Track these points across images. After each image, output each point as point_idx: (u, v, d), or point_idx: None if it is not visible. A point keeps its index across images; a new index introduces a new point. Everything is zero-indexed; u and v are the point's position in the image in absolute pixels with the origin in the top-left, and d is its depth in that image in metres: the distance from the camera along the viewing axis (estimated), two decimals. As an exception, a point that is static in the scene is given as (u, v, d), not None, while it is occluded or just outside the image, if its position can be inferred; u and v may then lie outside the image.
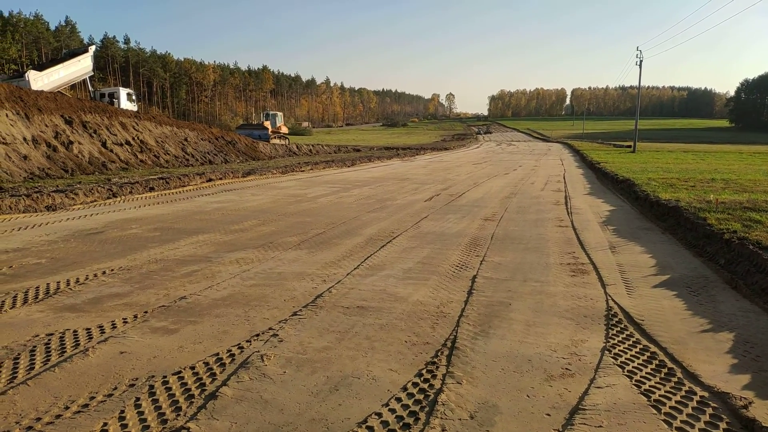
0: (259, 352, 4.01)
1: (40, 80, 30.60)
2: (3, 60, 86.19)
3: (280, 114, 57.24)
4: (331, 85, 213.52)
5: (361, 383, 3.52)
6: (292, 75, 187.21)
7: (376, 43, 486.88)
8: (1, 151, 19.83)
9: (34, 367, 3.70)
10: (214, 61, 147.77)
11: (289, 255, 7.45)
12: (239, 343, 4.18)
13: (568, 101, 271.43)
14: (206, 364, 3.78)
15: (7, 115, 21.68)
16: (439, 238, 8.78)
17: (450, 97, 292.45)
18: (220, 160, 30.75)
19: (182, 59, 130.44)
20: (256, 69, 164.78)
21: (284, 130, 54.35)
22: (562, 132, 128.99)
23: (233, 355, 3.95)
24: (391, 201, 13.68)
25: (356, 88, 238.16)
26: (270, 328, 4.54)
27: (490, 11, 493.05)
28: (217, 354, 3.96)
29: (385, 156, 40.44)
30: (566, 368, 3.80)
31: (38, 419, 3.00)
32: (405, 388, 3.45)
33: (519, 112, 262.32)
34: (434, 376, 3.63)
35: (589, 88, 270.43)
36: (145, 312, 4.92)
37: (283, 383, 3.50)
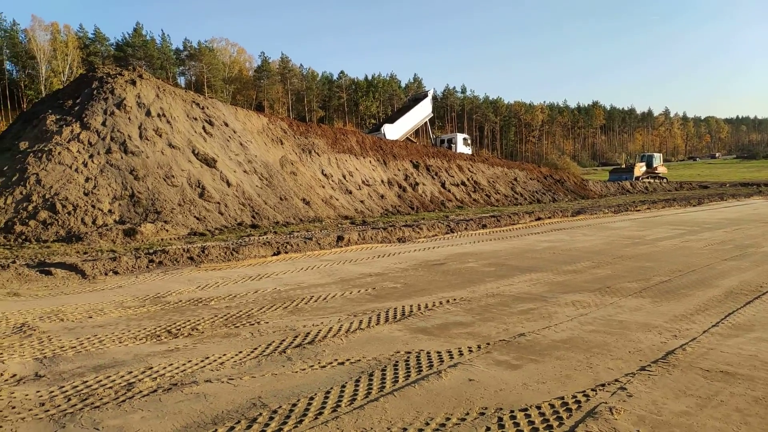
0: (606, 403, 3.74)
1: (393, 131, 35.89)
2: (366, 116, 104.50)
3: (658, 155, 55.38)
4: (671, 115, 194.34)
5: (738, 465, 2.94)
6: (626, 108, 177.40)
7: (724, 64, 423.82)
8: (365, 191, 23.80)
9: (397, 380, 4.19)
10: (543, 102, 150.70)
11: (629, 302, 6.89)
12: (584, 391, 3.98)
13: None
14: (552, 406, 3.70)
15: (370, 162, 25.99)
16: (833, 298, 6.94)
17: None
18: (548, 199, 30.88)
19: (512, 102, 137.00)
20: (586, 105, 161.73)
21: (662, 170, 52.09)
22: None
23: (579, 402, 3.78)
24: (755, 248, 11.51)
25: (702, 117, 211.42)
26: (616, 380, 4.21)
27: None
28: (562, 398, 3.84)
29: (742, 194, 34.48)
30: None
31: (404, 429, 3.36)
32: (805, 486, 2.74)
33: None
34: None
35: None
36: (487, 344, 5.13)
37: (639, 444, 3.17)
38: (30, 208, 13.76)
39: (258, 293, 7.71)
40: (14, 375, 4.46)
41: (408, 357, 4.75)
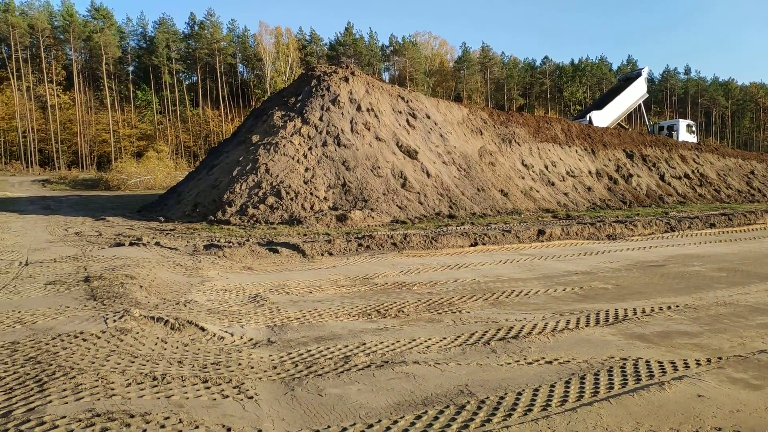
0: None
1: (601, 117, 33.24)
2: (570, 102, 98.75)
3: None
4: None
5: None
6: None
7: None
8: (569, 183, 22.65)
9: (612, 387, 3.89)
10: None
11: None
12: None
13: None
14: (809, 441, 3.12)
15: (576, 151, 24.62)
16: None
17: None
18: (793, 196, 26.23)
19: (747, 84, 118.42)
20: None
21: None
22: None
23: None
24: None
25: None
26: None
27: None
28: (823, 433, 3.21)
29: None
30: None
31: (623, 440, 3.10)
32: None
33: None
34: None
35: None
36: (719, 358, 4.50)
37: None
38: (260, 193, 15.72)
39: (457, 282, 7.80)
40: (251, 339, 5.12)
41: (624, 364, 4.38)
